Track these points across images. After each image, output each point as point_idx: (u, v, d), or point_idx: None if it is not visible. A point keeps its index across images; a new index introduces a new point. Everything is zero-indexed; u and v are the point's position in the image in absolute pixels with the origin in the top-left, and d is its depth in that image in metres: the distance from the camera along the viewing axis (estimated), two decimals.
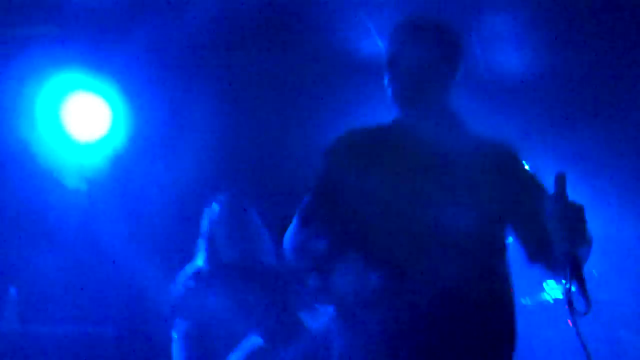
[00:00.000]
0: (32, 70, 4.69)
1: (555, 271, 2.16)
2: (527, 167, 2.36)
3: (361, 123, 2.42)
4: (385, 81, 2.38)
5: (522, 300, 5.28)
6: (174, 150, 4.99)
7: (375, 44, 4.58)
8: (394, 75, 2.35)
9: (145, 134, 5.01)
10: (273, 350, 2.80)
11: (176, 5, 4.48)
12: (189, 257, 3.46)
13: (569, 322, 1.97)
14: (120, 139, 5.06)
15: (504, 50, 4.95)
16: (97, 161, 5.09)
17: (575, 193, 1.98)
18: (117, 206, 4.99)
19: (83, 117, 5.01)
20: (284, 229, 2.37)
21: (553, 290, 5.33)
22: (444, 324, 2.14)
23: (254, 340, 2.76)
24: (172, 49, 4.78)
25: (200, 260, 3.40)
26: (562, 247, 1.97)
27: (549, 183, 2.05)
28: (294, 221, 2.37)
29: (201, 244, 3.45)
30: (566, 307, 1.93)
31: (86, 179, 5.08)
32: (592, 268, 2.15)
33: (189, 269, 3.38)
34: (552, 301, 5.34)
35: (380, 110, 2.42)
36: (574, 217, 1.97)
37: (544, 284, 5.38)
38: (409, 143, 2.32)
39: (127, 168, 5.04)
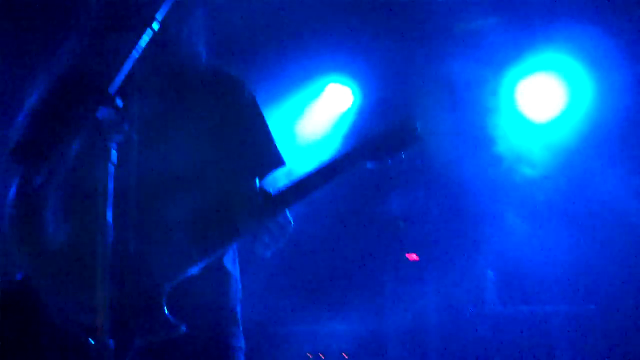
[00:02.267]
0: (491, 57, 4.82)
1: None
2: None
3: None
4: None
5: None
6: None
7: None
8: None
9: (607, 115, 4.76)
10: None
11: None
12: None
13: None
14: (575, 121, 4.94)
15: None
16: (550, 143, 5.02)
17: None
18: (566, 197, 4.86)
19: (538, 98, 5.03)
20: None
21: None
22: None
23: None
24: None
25: None
26: None
27: None
28: None
29: None
30: None
31: (537, 163, 5.01)
32: None
33: None
34: None
35: None
36: None
37: None
38: None
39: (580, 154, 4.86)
